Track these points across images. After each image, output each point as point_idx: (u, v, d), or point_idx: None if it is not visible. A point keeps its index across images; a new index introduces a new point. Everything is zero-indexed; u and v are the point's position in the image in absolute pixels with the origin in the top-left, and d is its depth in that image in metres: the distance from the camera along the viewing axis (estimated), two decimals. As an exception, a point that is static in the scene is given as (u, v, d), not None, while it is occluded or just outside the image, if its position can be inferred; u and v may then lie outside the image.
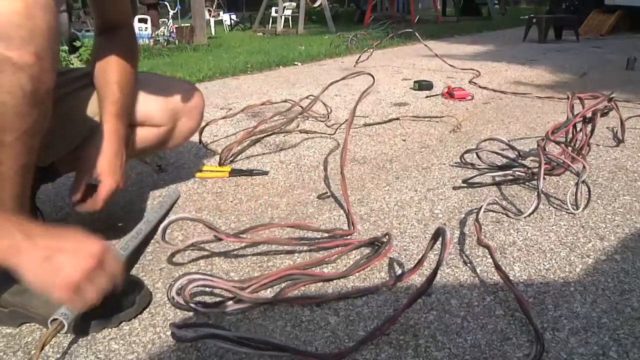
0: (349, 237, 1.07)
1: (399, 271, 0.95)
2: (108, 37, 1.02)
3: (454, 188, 1.34)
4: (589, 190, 1.22)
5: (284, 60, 4.28)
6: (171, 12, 7.37)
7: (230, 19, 10.88)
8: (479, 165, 1.48)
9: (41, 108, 0.67)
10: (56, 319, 0.72)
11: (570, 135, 1.39)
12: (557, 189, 1.32)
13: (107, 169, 0.95)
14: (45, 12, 0.63)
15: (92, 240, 0.66)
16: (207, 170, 1.49)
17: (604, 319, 0.79)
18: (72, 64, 4.53)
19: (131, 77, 1.01)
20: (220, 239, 0.96)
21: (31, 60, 0.62)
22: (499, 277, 0.88)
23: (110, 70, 0.98)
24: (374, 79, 1.41)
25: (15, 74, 0.61)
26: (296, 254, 1.02)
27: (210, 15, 9.23)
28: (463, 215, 1.18)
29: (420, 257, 0.87)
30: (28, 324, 0.81)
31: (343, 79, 1.53)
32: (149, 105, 1.05)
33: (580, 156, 1.30)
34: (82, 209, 0.96)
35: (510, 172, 1.37)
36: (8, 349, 0.76)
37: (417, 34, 3.43)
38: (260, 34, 8.52)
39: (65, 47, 4.67)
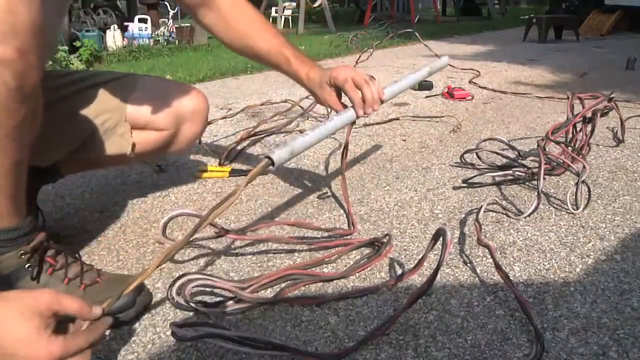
0: (349, 237, 1.08)
1: (399, 271, 0.95)
2: (212, 11, 1.04)
3: (454, 188, 1.34)
4: (589, 190, 1.22)
5: (284, 60, 4.26)
6: (171, 12, 7.34)
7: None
8: (479, 165, 1.48)
9: (29, 105, 0.66)
10: (269, 157, 0.77)
11: (570, 135, 1.39)
12: (557, 189, 1.32)
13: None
14: (29, 7, 0.61)
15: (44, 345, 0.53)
16: (207, 170, 1.49)
17: (604, 319, 0.79)
18: (72, 64, 4.54)
19: (268, 26, 1.07)
20: (221, 235, 0.96)
21: (14, 55, 0.60)
22: (499, 277, 0.88)
23: (256, 38, 1.05)
24: None
25: None
26: (296, 254, 1.02)
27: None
28: (463, 215, 1.18)
29: (420, 257, 0.87)
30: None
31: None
32: (152, 108, 1.04)
33: (580, 156, 1.30)
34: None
35: (510, 172, 1.37)
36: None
37: (417, 34, 3.43)
38: (260, 34, 8.50)
39: (65, 47, 4.67)
